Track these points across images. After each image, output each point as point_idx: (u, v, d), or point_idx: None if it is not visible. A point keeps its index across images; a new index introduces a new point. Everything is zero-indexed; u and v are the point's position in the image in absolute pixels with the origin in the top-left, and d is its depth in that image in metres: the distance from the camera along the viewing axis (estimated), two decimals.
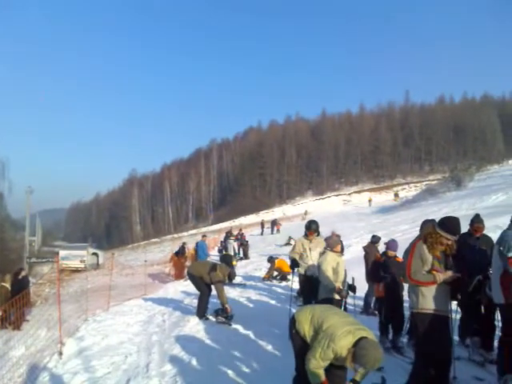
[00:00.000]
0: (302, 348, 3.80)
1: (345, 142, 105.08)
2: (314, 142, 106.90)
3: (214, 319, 8.21)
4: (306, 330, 3.74)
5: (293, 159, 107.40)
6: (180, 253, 19.92)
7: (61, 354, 6.38)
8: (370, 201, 59.38)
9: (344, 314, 3.86)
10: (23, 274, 12.76)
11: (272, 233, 36.87)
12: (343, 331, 3.40)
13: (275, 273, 13.71)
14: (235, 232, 27.09)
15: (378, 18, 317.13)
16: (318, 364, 3.46)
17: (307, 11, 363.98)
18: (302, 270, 7.49)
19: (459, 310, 5.58)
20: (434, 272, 4.00)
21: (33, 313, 11.87)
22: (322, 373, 3.51)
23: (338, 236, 8.38)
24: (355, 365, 3.36)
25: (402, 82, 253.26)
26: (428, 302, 4.01)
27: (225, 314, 8.17)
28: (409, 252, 4.18)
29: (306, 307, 4.16)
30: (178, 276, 18.15)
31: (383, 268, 6.63)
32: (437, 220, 4.26)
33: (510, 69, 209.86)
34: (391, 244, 7.05)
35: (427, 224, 4.47)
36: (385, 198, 64.65)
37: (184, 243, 22.26)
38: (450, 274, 4.03)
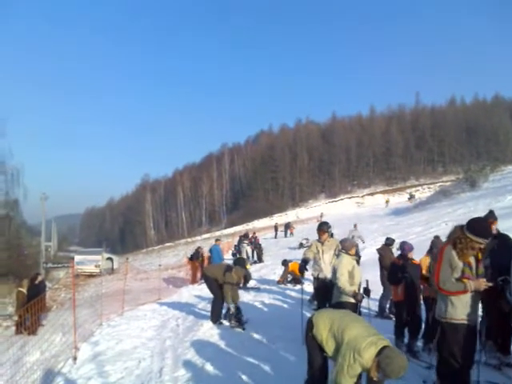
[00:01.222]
0: (317, 353, 3.75)
1: (356, 144, 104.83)
2: (325, 145, 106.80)
3: (227, 324, 8.20)
4: (324, 337, 3.68)
5: (304, 162, 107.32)
6: (195, 257, 19.90)
7: (75, 358, 6.41)
8: (387, 202, 59.36)
9: (363, 322, 3.75)
10: (40, 279, 12.89)
11: (286, 236, 36.79)
12: (367, 343, 3.32)
13: (289, 277, 13.64)
14: (251, 235, 27.07)
15: (387, 20, 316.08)
16: (348, 381, 3.36)
17: (317, 14, 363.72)
18: (315, 274, 7.43)
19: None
20: (465, 280, 3.69)
21: (48, 317, 11.96)
22: None
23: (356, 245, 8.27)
24: (379, 374, 3.29)
25: (412, 84, 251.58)
26: (458, 311, 3.73)
27: (233, 315, 8.20)
28: (436, 258, 3.92)
29: (324, 312, 4.05)
30: (193, 280, 18.18)
31: (402, 270, 6.55)
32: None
33: None
34: (406, 246, 6.96)
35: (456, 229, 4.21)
36: (398, 199, 64.19)
37: (199, 247, 22.30)
38: (482, 282, 3.70)
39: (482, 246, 3.73)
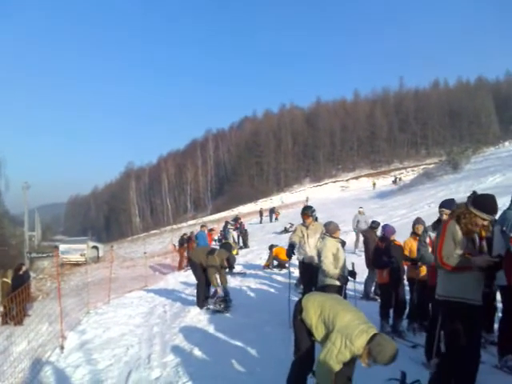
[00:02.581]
0: (305, 336, 3.79)
1: (340, 128, 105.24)
2: (309, 130, 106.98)
3: (214, 308, 8.22)
4: (314, 322, 3.70)
5: (289, 147, 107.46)
6: (180, 244, 19.85)
7: (62, 347, 6.38)
8: (374, 185, 59.95)
9: (353, 309, 3.78)
10: (24, 269, 12.81)
11: (271, 221, 36.91)
12: (359, 331, 3.36)
13: (275, 262, 13.71)
14: (242, 219, 27.12)
15: (370, 4, 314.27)
16: (335, 366, 3.40)
17: (300, 0, 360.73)
18: (300, 258, 7.47)
19: None
20: (469, 256, 3.51)
21: (34, 307, 11.91)
22: (333, 376, 3.46)
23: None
24: (369, 361, 3.34)
25: (396, 68, 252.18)
26: (459, 289, 3.54)
27: (218, 298, 8.27)
28: (439, 233, 3.70)
29: (313, 297, 4.04)
30: (179, 267, 18.17)
31: (386, 253, 6.62)
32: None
33: (503, 51, 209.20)
34: (387, 229, 7.04)
35: (452, 204, 4.00)
36: (383, 182, 64.73)
37: (184, 234, 22.28)
38: (486, 258, 3.54)
39: (486, 223, 3.60)
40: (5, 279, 12.38)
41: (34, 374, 5.51)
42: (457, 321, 3.53)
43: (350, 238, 15.71)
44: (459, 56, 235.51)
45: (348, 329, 3.42)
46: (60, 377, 5.34)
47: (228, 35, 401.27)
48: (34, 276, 20.28)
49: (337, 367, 3.42)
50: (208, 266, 8.33)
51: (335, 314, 3.60)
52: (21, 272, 12.40)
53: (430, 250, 4.98)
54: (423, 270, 6.37)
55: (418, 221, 6.83)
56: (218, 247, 9.66)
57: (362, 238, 12.27)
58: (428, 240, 5.19)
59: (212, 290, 8.69)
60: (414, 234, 6.75)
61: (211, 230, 22.74)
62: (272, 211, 38.55)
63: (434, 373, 3.76)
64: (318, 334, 3.67)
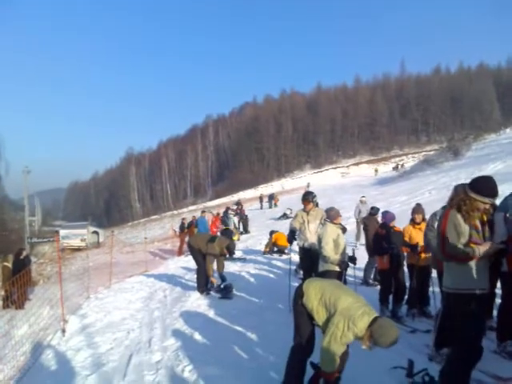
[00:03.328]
0: (306, 321, 3.80)
1: (341, 114, 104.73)
2: (310, 116, 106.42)
3: (215, 294, 8.26)
4: (315, 306, 3.71)
5: (289, 133, 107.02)
6: (188, 228, 19.87)
7: (64, 331, 6.43)
8: (376, 171, 59.85)
9: (354, 293, 3.81)
10: (24, 254, 12.90)
11: (270, 207, 36.93)
12: (361, 313, 3.40)
13: (275, 248, 13.74)
14: (243, 204, 27.19)
15: None
16: (340, 349, 3.45)
17: None
18: (300, 243, 7.48)
19: None
20: (473, 245, 3.40)
21: (35, 292, 11.96)
22: (338, 360, 3.51)
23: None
24: (370, 344, 3.37)
25: (397, 53, 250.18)
26: (466, 280, 3.44)
27: (218, 286, 8.33)
28: (440, 224, 3.58)
29: (314, 281, 4.06)
30: (179, 252, 18.25)
31: (386, 240, 6.63)
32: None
33: (505, 37, 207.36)
34: (387, 215, 7.04)
35: (458, 189, 3.88)
36: (383, 169, 64.57)
37: (183, 219, 22.35)
38: (491, 245, 3.41)
39: (487, 206, 3.47)
40: (5, 263, 12.46)
41: (35, 357, 5.55)
42: (468, 312, 3.43)
43: (350, 225, 15.65)
44: (461, 42, 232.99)
45: (350, 311, 3.45)
46: (61, 360, 5.38)
47: (229, 19, 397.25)
48: (35, 261, 20.33)
49: (341, 349, 3.48)
50: (207, 253, 8.35)
51: (337, 297, 3.62)
52: (21, 257, 12.46)
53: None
54: (423, 256, 6.40)
55: (417, 208, 6.83)
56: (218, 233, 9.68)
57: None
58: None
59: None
60: (412, 221, 6.76)
61: (218, 214, 22.86)
62: (271, 197, 38.55)
63: (447, 363, 3.65)
64: (319, 317, 3.69)
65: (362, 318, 3.37)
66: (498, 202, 4.36)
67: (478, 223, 3.52)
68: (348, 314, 3.43)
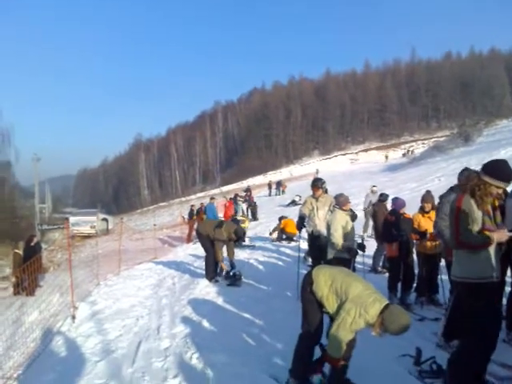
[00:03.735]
0: (315, 308, 3.78)
1: (350, 100, 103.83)
2: (319, 102, 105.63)
3: (223, 281, 8.27)
4: (325, 293, 3.69)
5: (298, 119, 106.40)
6: (190, 216, 19.94)
7: (73, 317, 6.48)
8: (386, 157, 59.59)
9: (363, 281, 3.78)
10: (35, 240, 12.97)
11: (277, 194, 36.88)
12: (372, 299, 3.38)
13: (283, 235, 13.72)
14: (251, 191, 27.22)
15: None
16: (349, 335, 3.45)
17: None
18: (309, 230, 7.46)
19: None
20: (487, 232, 3.27)
21: (46, 278, 12.08)
22: (345, 346, 3.49)
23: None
24: (380, 331, 3.35)
25: (407, 39, 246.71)
26: (479, 268, 3.31)
27: (227, 272, 8.32)
28: (453, 211, 3.43)
29: (323, 269, 4.02)
30: (188, 239, 18.31)
31: (395, 227, 6.58)
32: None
33: None
34: (397, 202, 6.99)
35: (465, 173, 3.67)
36: (392, 155, 64.20)
37: (192, 205, 22.37)
38: (505, 232, 3.30)
39: (500, 191, 3.37)
40: (16, 250, 12.59)
41: (45, 344, 5.61)
42: (480, 301, 3.32)
43: (358, 213, 15.46)
44: (472, 26, 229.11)
45: (361, 298, 3.43)
46: (71, 346, 5.43)
47: (238, 5, 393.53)
48: (45, 247, 20.55)
49: (350, 336, 3.47)
50: (215, 239, 8.35)
51: (348, 284, 3.60)
52: (32, 243, 12.56)
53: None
54: (431, 244, 6.35)
55: (426, 196, 6.76)
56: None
57: (371, 223, 12.04)
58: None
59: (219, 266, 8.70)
60: (421, 209, 6.70)
61: (231, 198, 22.85)
62: (279, 184, 38.51)
63: (457, 353, 3.58)
64: (329, 304, 3.67)
65: (373, 305, 3.35)
66: (508, 189, 4.26)
67: (490, 209, 3.40)
68: (359, 301, 3.42)
